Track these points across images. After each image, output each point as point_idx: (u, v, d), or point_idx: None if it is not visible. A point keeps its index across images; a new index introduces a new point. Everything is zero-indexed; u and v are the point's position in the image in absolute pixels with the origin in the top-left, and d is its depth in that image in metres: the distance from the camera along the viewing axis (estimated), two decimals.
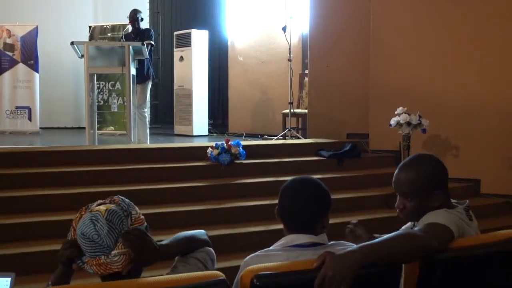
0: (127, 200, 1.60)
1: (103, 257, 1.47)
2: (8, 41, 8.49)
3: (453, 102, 5.48)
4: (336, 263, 1.46)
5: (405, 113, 4.98)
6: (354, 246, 1.64)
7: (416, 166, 1.87)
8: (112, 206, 1.53)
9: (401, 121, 4.95)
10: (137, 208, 1.59)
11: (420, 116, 4.98)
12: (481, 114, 5.35)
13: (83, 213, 1.56)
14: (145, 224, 1.58)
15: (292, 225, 1.78)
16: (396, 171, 1.91)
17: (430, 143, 5.29)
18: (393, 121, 5.01)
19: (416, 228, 1.76)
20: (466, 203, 1.85)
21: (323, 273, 1.45)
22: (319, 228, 1.78)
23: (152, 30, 6.92)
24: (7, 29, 8.47)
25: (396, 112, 5.04)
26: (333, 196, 4.51)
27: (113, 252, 1.48)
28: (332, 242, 1.79)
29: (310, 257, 1.59)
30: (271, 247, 1.79)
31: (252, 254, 1.76)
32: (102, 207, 1.53)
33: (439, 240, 1.62)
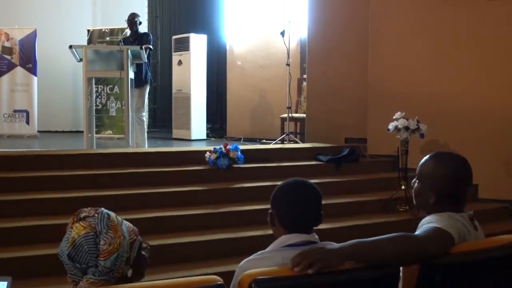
0: (111, 220, 1.51)
1: (76, 278, 1.48)
2: (7, 44, 8.49)
3: (451, 107, 5.49)
4: (320, 251, 1.50)
5: (403, 118, 4.98)
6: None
7: (442, 159, 1.87)
8: (83, 232, 1.47)
9: (399, 126, 4.95)
10: (112, 233, 1.48)
11: (418, 121, 4.98)
12: (480, 119, 5.36)
13: (75, 219, 1.53)
14: (114, 256, 1.47)
15: (290, 227, 1.80)
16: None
17: (428, 148, 5.29)
18: (391, 126, 5.02)
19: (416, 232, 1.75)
20: (470, 213, 1.85)
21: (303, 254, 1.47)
22: (316, 226, 1.84)
23: (150, 35, 6.92)
24: (5, 33, 8.47)
25: (394, 117, 5.04)
26: (331, 201, 4.53)
27: (80, 284, 1.47)
28: (323, 242, 1.82)
29: None
30: (265, 250, 1.82)
31: (247, 258, 1.79)
32: (74, 233, 1.48)
33: (437, 244, 1.61)
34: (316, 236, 1.82)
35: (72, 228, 1.49)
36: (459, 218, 1.78)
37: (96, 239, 1.46)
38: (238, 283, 1.49)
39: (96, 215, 1.51)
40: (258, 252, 1.82)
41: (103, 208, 1.55)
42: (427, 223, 1.74)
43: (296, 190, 1.85)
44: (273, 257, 1.71)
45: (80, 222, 1.48)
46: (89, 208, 1.54)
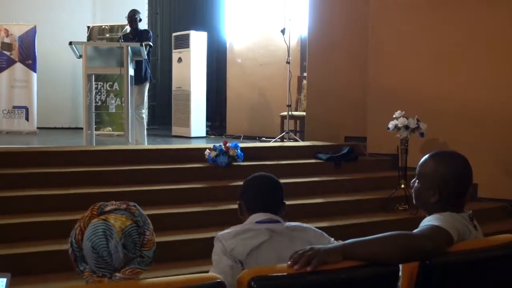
0: (143, 213, 1.51)
1: (106, 279, 1.41)
2: (6, 40, 8.47)
3: (451, 106, 5.49)
4: (318, 249, 1.52)
5: (403, 116, 4.98)
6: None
7: (442, 158, 1.86)
8: (129, 222, 1.44)
9: (399, 125, 4.95)
10: (151, 225, 1.51)
11: (418, 120, 4.98)
12: (479, 118, 5.36)
13: (95, 213, 1.46)
14: (155, 247, 1.50)
15: (257, 208, 2.13)
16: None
17: (428, 147, 5.29)
18: (391, 124, 5.02)
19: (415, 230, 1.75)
20: (470, 213, 1.85)
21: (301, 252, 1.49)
22: (280, 212, 2.17)
23: (150, 32, 6.91)
24: (5, 29, 8.46)
25: (394, 116, 5.04)
26: (330, 199, 4.51)
27: (118, 275, 1.41)
28: (291, 223, 2.13)
29: (269, 229, 2.04)
30: (237, 227, 2.10)
31: (223, 232, 2.08)
32: (118, 223, 1.42)
33: (434, 242, 1.61)
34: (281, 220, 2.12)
35: (104, 220, 1.43)
36: (460, 217, 1.78)
37: (139, 230, 1.46)
38: (237, 281, 1.49)
39: (132, 208, 1.49)
40: (231, 228, 2.10)
41: (129, 202, 1.53)
42: (427, 222, 1.74)
43: (259, 181, 2.24)
44: (247, 231, 2.04)
45: (117, 215, 1.44)
46: (111, 202, 1.51)
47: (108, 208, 1.47)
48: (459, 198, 1.84)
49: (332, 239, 2.15)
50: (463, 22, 5.50)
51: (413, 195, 1.94)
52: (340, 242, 1.62)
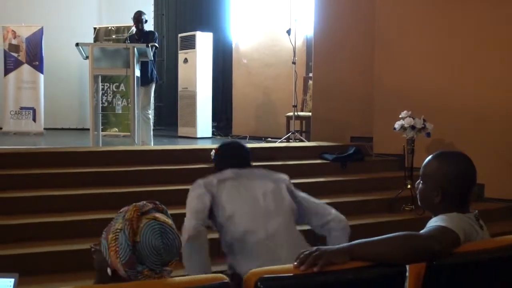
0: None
1: (157, 270, 1.47)
2: (13, 42, 8.52)
3: (457, 106, 5.47)
4: (324, 249, 1.52)
5: (409, 116, 4.97)
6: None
7: (446, 159, 1.86)
8: (170, 219, 1.54)
9: (406, 125, 4.94)
10: None
11: (424, 120, 4.97)
12: (486, 118, 5.33)
13: (138, 213, 1.50)
14: None
15: (227, 167, 2.57)
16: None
17: (434, 147, 5.27)
18: (397, 124, 5.01)
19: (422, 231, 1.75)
20: (476, 213, 1.84)
21: (308, 253, 1.50)
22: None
23: (156, 33, 6.93)
24: (12, 30, 8.50)
25: (400, 116, 5.03)
26: (336, 200, 4.53)
27: (167, 269, 1.49)
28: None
29: (234, 172, 2.51)
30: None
31: (200, 180, 2.53)
32: (168, 220, 1.52)
33: (441, 242, 1.60)
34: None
35: (153, 218, 1.50)
36: (466, 218, 1.78)
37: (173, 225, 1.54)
38: (244, 281, 1.49)
39: (159, 206, 1.58)
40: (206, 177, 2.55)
41: (155, 201, 1.60)
42: (433, 223, 1.74)
43: (227, 146, 2.76)
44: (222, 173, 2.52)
45: (156, 214, 1.53)
46: (143, 202, 1.57)
47: (146, 208, 1.53)
48: (464, 198, 1.84)
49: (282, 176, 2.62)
50: (470, 22, 5.47)
51: (417, 196, 1.94)
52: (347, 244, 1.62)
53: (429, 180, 1.86)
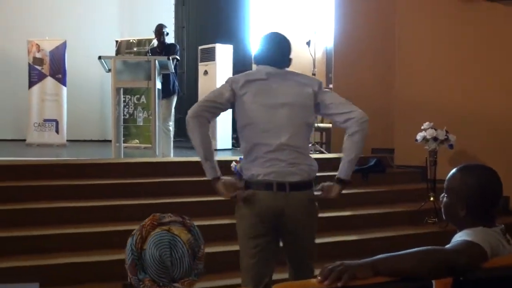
0: (196, 227, 1.54)
1: (161, 283, 1.42)
2: (38, 55, 8.67)
3: (480, 117, 5.39)
4: (348, 263, 1.50)
5: (431, 128, 4.91)
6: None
7: (470, 172, 1.82)
8: (189, 235, 1.48)
9: (428, 136, 4.89)
10: (203, 240, 1.55)
11: (447, 131, 4.91)
12: (510, 129, 5.24)
13: (155, 223, 1.48)
14: (203, 261, 1.54)
15: (265, 62, 2.61)
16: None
17: (457, 158, 5.20)
18: (419, 136, 4.95)
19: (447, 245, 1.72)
20: (502, 227, 1.80)
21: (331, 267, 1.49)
22: (286, 66, 2.64)
23: (177, 45, 6.99)
24: (36, 44, 8.66)
25: (422, 127, 4.98)
26: (358, 212, 4.48)
27: (176, 285, 1.43)
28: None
29: (267, 72, 2.56)
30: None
31: (228, 78, 2.60)
32: (183, 235, 1.46)
33: (467, 256, 1.57)
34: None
35: (167, 230, 1.46)
36: (492, 232, 1.74)
37: (196, 242, 1.49)
38: None
39: (187, 222, 1.53)
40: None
41: (184, 216, 1.56)
42: (459, 238, 1.71)
43: (270, 38, 2.68)
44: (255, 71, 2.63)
45: (176, 227, 1.48)
46: (168, 214, 1.53)
47: (166, 220, 1.49)
48: (489, 212, 1.80)
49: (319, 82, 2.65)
50: (491, 33, 5.41)
51: (442, 210, 1.90)
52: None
53: (453, 194, 1.82)
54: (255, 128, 2.51)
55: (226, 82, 2.57)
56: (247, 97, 2.50)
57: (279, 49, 2.63)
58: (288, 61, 2.67)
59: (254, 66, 2.75)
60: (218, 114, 2.62)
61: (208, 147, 2.56)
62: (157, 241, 1.42)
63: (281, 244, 2.64)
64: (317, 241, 4.22)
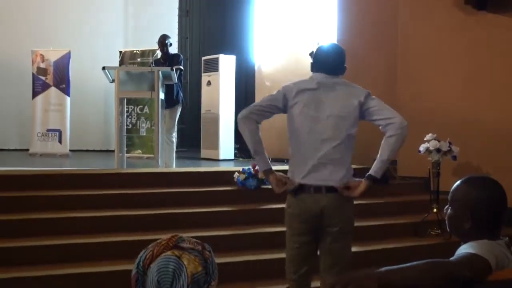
0: (215, 261, 1.44)
1: None
2: (42, 65, 8.72)
3: (484, 129, 5.39)
4: (354, 274, 1.53)
5: (434, 139, 4.91)
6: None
7: (474, 184, 1.81)
8: (200, 268, 1.38)
9: (431, 148, 4.88)
10: (217, 274, 1.44)
11: (450, 143, 4.90)
12: None
13: (171, 244, 1.41)
14: None
15: (319, 70, 2.83)
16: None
17: (460, 170, 5.19)
18: (422, 147, 4.95)
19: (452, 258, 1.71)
20: (506, 239, 1.79)
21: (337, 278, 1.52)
22: (341, 73, 2.87)
23: (181, 56, 7.01)
24: (40, 54, 8.72)
25: (425, 139, 4.97)
26: (361, 223, 4.46)
27: None
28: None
29: (319, 82, 2.79)
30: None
31: (283, 85, 2.83)
32: (191, 266, 1.36)
33: (471, 269, 1.57)
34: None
35: (178, 256, 1.38)
36: (496, 245, 1.73)
37: (207, 277, 1.40)
38: None
39: (207, 253, 1.43)
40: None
41: (205, 244, 1.46)
42: (463, 250, 1.70)
43: (326, 47, 2.92)
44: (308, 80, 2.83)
45: (191, 255, 1.39)
46: (190, 238, 1.45)
47: (184, 245, 1.41)
48: (494, 225, 1.79)
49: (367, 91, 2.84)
50: (494, 43, 5.42)
51: (446, 222, 1.90)
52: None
53: (457, 206, 1.82)
54: (300, 137, 2.77)
55: (280, 89, 2.83)
56: (297, 107, 2.75)
57: (334, 57, 2.86)
58: (343, 69, 2.91)
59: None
60: (266, 117, 2.87)
61: (257, 143, 2.82)
62: (162, 266, 1.36)
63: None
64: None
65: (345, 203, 2.79)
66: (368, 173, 2.82)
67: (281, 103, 2.80)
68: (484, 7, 5.43)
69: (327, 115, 2.74)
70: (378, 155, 2.84)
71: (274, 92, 2.85)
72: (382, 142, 2.82)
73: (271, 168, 2.82)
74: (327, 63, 2.82)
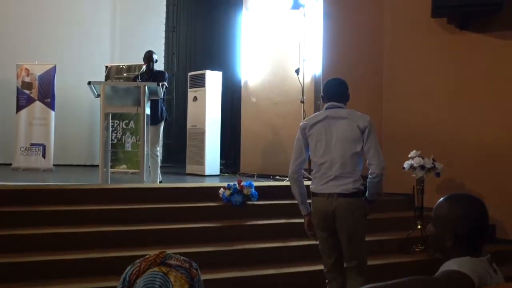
0: (201, 279, 1.46)
1: None
2: (27, 79, 8.67)
3: (467, 146, 5.46)
4: None
5: (418, 156, 4.95)
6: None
7: (457, 201, 1.82)
8: (186, 286, 1.38)
9: (415, 165, 4.93)
10: None
11: (434, 160, 4.95)
12: (496, 158, 5.31)
13: (158, 260, 1.42)
14: None
15: (327, 99, 3.55)
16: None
17: (444, 187, 5.24)
18: (406, 164, 4.99)
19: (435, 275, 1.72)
20: (488, 256, 1.81)
21: None
22: (346, 100, 3.57)
23: (166, 73, 7.03)
24: (26, 68, 8.67)
25: (409, 155, 5.02)
26: None
27: None
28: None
29: (327, 114, 3.46)
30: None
31: (301, 124, 3.53)
32: (177, 284, 1.37)
33: (455, 287, 1.57)
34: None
35: (165, 273, 1.38)
36: (479, 262, 1.74)
37: None
38: None
39: (194, 271, 1.44)
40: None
41: (193, 263, 1.47)
42: (446, 267, 1.71)
43: (333, 81, 3.62)
44: (320, 114, 3.52)
45: (178, 273, 1.39)
46: (177, 255, 1.46)
47: (172, 262, 1.42)
48: (476, 242, 1.80)
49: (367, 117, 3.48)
50: (478, 61, 5.53)
51: (429, 240, 1.91)
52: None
53: (440, 224, 1.83)
54: (317, 158, 3.46)
55: (299, 131, 3.50)
56: (312, 137, 3.45)
57: (341, 89, 3.57)
58: (348, 96, 3.59)
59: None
60: (304, 162, 3.54)
61: (304, 195, 3.52)
62: (148, 281, 1.36)
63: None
64: (305, 269, 4.21)
65: (351, 205, 3.41)
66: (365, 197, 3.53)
67: (302, 141, 3.49)
68: (466, 27, 5.54)
69: (335, 140, 3.39)
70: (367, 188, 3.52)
71: (297, 136, 3.51)
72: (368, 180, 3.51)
73: (309, 213, 3.51)
74: (335, 94, 3.53)
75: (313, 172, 3.53)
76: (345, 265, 3.46)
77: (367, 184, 3.49)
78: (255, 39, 8.56)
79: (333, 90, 3.55)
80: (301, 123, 3.56)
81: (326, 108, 3.51)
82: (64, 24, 9.45)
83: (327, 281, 3.51)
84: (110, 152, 6.34)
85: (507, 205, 5.08)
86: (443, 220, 1.82)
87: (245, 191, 5.02)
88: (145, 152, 6.02)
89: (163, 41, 9.99)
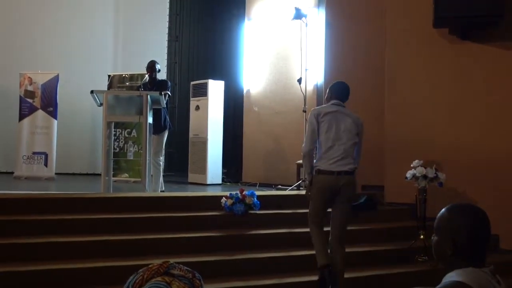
0: None
1: None
2: (29, 88, 8.69)
3: (470, 156, 5.45)
4: None
5: (421, 166, 4.94)
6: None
7: (458, 211, 1.82)
8: None
9: (417, 174, 4.92)
10: None
11: (436, 170, 4.94)
12: (499, 168, 5.30)
13: (162, 270, 1.41)
14: None
15: (333, 98, 4.32)
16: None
17: (447, 196, 5.21)
18: (409, 174, 4.98)
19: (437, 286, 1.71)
20: (491, 267, 1.80)
21: None
22: (345, 101, 4.34)
23: (169, 82, 7.04)
24: (28, 77, 8.70)
25: (412, 165, 5.01)
26: (348, 250, 4.43)
27: None
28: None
29: (337, 109, 4.26)
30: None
31: (313, 110, 4.32)
32: None
33: None
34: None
35: (168, 283, 1.37)
36: (482, 273, 1.73)
37: None
38: None
39: (196, 281, 1.43)
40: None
41: (196, 273, 1.46)
42: (449, 278, 1.70)
43: (338, 83, 4.40)
44: (326, 106, 4.35)
45: (181, 283, 1.38)
46: (180, 265, 1.45)
47: (175, 271, 1.41)
48: (478, 252, 1.79)
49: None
50: (478, 72, 5.53)
51: (432, 249, 1.90)
52: None
53: (442, 233, 1.82)
54: (327, 143, 4.18)
55: (311, 115, 4.25)
56: (323, 124, 4.19)
57: (345, 90, 4.36)
58: (348, 97, 4.37)
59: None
60: (315, 143, 4.25)
61: (312, 167, 4.25)
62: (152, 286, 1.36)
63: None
64: (307, 279, 4.20)
65: (352, 180, 4.20)
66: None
67: (316, 124, 4.20)
68: (468, 37, 5.56)
69: (343, 130, 4.20)
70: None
71: (309, 119, 4.26)
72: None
73: (312, 180, 4.25)
74: (342, 95, 4.33)
75: (320, 152, 4.23)
76: (331, 236, 4.15)
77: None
78: (258, 49, 8.59)
79: (341, 92, 4.34)
80: (312, 109, 4.32)
81: (333, 104, 4.27)
82: (67, 33, 9.50)
83: (311, 224, 4.17)
84: (112, 160, 6.35)
85: (510, 215, 5.06)
86: (444, 230, 1.81)
87: (247, 200, 5.01)
88: (147, 161, 6.02)
89: (165, 50, 10.02)
